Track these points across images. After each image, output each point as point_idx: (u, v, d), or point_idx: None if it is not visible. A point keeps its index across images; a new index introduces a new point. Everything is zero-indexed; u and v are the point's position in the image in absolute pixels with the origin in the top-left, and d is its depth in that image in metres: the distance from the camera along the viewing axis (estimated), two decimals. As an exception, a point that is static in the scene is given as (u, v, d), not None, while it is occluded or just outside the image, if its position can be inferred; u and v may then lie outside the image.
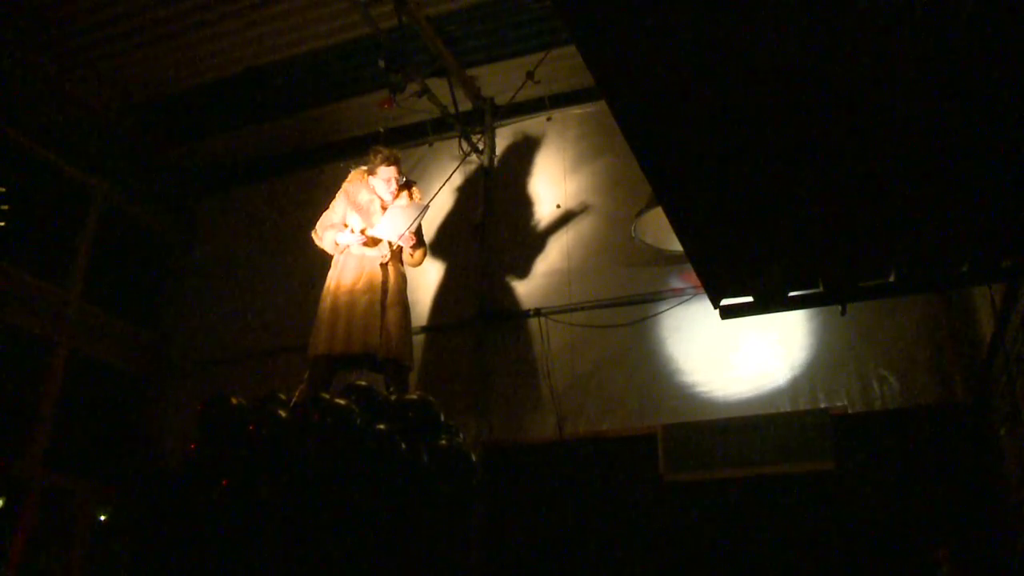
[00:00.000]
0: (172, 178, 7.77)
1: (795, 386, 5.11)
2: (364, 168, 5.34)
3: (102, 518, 6.48)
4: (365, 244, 5.10)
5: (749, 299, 3.22)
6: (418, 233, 5.26)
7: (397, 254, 5.22)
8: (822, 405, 4.99)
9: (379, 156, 5.21)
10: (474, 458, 4.51)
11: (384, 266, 5.10)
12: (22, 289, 6.27)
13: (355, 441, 3.83)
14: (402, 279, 5.21)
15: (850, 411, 4.92)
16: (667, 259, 5.51)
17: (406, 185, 5.36)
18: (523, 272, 6.21)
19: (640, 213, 4.88)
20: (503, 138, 6.75)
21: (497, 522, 5.36)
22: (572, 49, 5.30)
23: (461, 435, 4.52)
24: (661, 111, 2.31)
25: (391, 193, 5.22)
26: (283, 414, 3.97)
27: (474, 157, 6.59)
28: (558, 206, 6.30)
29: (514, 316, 6.07)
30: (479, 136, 6.60)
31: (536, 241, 6.28)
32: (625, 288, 5.77)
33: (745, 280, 3.14)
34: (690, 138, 2.41)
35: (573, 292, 5.96)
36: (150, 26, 6.08)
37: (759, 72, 2.14)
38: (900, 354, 4.94)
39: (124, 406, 6.95)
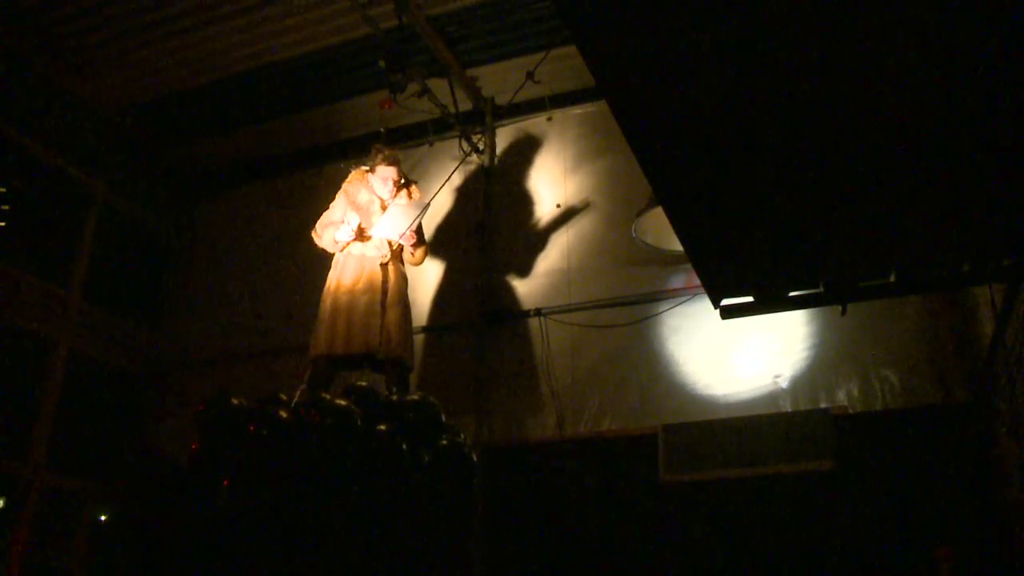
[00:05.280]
0: (172, 178, 7.76)
1: (795, 386, 5.10)
2: (364, 168, 5.35)
3: (102, 518, 6.48)
4: (359, 239, 5.10)
5: (749, 299, 3.22)
6: (419, 232, 5.26)
7: (398, 254, 5.23)
8: (822, 405, 4.98)
9: (379, 156, 5.22)
10: (475, 458, 4.52)
11: (384, 266, 5.10)
12: (22, 289, 6.27)
13: (356, 442, 3.83)
14: (402, 279, 5.21)
15: (850, 411, 4.91)
16: (667, 259, 5.50)
17: (405, 184, 5.37)
18: (523, 272, 6.21)
19: (640, 213, 4.88)
20: (503, 138, 6.74)
21: (498, 522, 5.36)
22: (572, 49, 5.28)
23: (462, 435, 4.53)
24: (661, 111, 2.31)
25: (389, 192, 5.23)
26: (284, 415, 3.97)
27: (474, 157, 6.59)
28: (558, 206, 6.30)
29: (514, 316, 6.06)
30: (479, 136, 6.60)
31: (536, 241, 6.28)
32: (625, 288, 5.77)
33: (745, 280, 3.14)
34: (690, 138, 2.41)
35: (573, 292, 5.95)
36: (150, 26, 6.08)
37: (759, 72, 2.14)
38: (900, 354, 4.93)
39: (124, 406, 6.94)
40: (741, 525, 4.83)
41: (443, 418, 4.39)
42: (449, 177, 5.82)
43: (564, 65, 6.00)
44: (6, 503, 5.94)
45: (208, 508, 3.81)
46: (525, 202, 6.45)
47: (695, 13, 1.99)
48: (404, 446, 3.91)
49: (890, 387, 4.89)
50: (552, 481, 5.41)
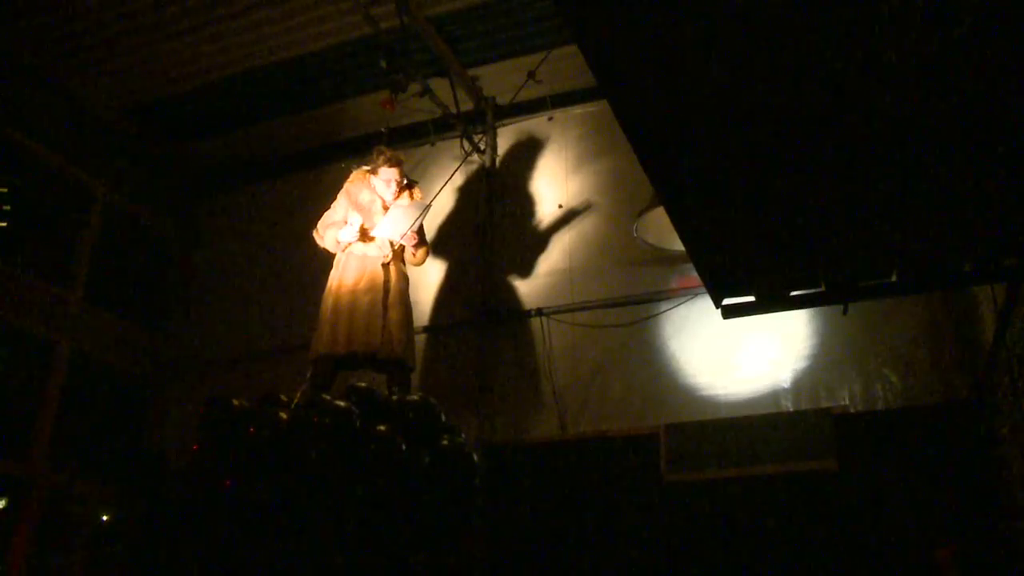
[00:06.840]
0: (173, 178, 7.76)
1: (797, 386, 5.10)
2: (366, 168, 5.34)
3: (104, 518, 6.48)
4: (362, 239, 5.10)
5: (751, 299, 3.21)
6: (420, 232, 5.26)
7: (399, 254, 5.23)
8: (824, 405, 4.98)
9: (382, 157, 5.21)
10: (475, 458, 4.51)
11: (386, 266, 5.10)
12: (24, 290, 6.27)
13: (355, 443, 3.83)
14: (404, 279, 5.21)
15: (852, 411, 4.92)
16: (669, 259, 5.50)
17: (407, 186, 5.37)
18: (525, 272, 6.21)
19: (642, 213, 4.87)
20: (505, 138, 6.74)
21: (499, 522, 5.35)
22: (574, 49, 5.27)
23: (462, 435, 4.53)
24: (663, 111, 2.31)
25: (392, 194, 5.24)
26: (283, 416, 3.97)
27: (476, 157, 6.58)
28: (560, 206, 6.30)
29: (516, 316, 6.06)
30: (481, 136, 6.60)
31: (538, 241, 6.27)
32: (627, 288, 5.77)
33: (747, 280, 3.14)
34: (692, 138, 2.40)
35: (575, 292, 5.95)
36: (150, 26, 6.08)
37: (760, 72, 2.14)
38: (902, 353, 4.93)
39: (126, 406, 6.95)
40: (742, 525, 4.83)
41: (443, 418, 4.39)
42: (450, 177, 5.82)
43: (565, 65, 5.99)
44: (6, 503, 5.94)
45: (210, 509, 3.81)
46: (526, 202, 6.45)
47: (696, 13, 1.98)
48: (404, 447, 3.90)
49: (891, 387, 4.89)
50: (553, 481, 5.41)
